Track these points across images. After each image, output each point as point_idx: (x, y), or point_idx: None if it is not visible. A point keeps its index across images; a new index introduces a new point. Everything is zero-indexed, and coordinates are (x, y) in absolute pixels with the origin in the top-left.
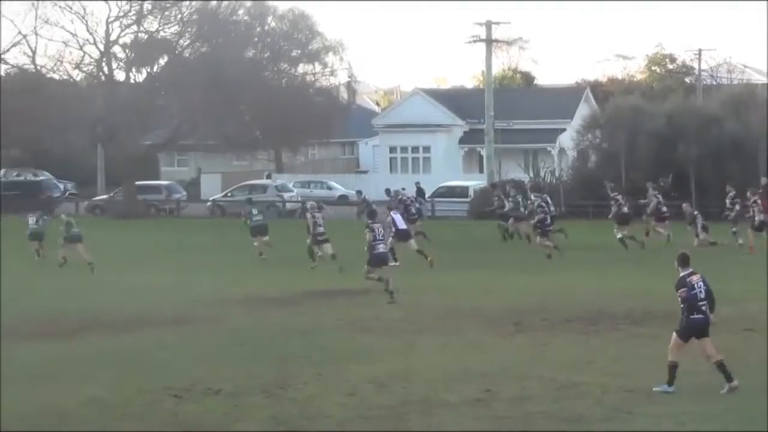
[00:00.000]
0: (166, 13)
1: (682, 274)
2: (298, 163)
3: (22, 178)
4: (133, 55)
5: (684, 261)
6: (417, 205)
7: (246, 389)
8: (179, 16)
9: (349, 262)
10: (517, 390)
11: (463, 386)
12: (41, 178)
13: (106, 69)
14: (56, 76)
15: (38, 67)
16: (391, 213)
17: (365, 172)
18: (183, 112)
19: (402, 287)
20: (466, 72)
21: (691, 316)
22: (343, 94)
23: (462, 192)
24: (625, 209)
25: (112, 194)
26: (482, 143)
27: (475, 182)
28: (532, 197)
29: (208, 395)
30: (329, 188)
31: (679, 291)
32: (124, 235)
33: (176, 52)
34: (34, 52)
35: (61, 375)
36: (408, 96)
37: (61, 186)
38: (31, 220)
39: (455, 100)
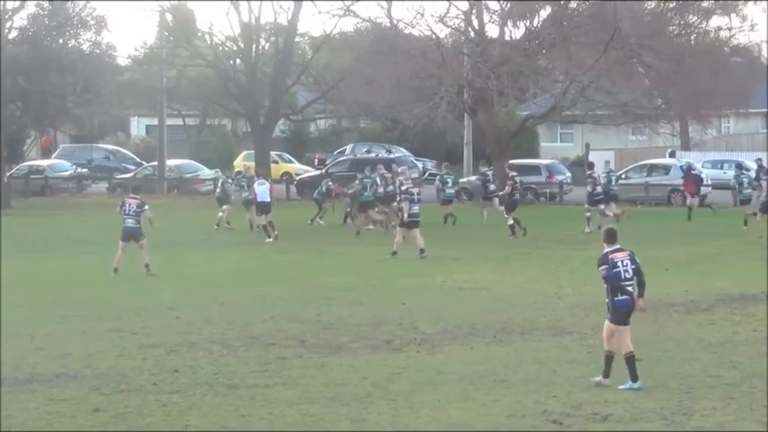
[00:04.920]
0: None
1: (606, 250)
2: (709, 138)
3: (372, 154)
4: (508, 6)
5: (610, 237)
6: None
7: (640, 414)
8: None
9: None
10: None
11: None
12: (395, 155)
13: (475, 23)
14: (416, 32)
15: (395, 21)
16: None
17: None
18: (569, 75)
19: None
20: None
21: (616, 298)
22: (765, 53)
23: None
24: None
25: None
26: None
27: None
28: None
29: (594, 421)
30: (746, 169)
31: (600, 268)
32: (494, 223)
33: (561, 1)
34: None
35: (414, 394)
36: None
37: (420, 165)
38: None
39: None
